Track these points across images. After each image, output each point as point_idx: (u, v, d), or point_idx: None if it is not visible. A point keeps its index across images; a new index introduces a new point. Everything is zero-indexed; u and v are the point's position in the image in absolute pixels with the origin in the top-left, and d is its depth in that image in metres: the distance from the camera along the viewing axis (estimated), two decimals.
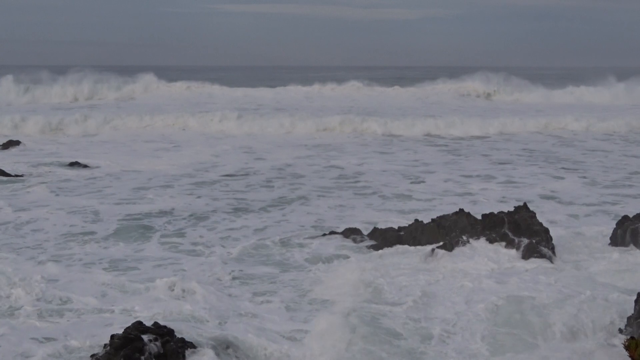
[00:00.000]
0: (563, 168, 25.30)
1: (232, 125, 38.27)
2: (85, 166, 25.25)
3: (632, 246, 13.77)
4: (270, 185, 22.24)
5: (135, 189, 21.22)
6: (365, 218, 17.16)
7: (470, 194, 20.57)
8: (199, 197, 20.02)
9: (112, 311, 10.79)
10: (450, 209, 16.72)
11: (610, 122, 39.36)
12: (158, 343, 9.21)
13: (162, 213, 17.71)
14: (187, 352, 9.26)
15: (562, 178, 23.15)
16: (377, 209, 18.57)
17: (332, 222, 16.82)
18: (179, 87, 61.09)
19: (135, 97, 56.53)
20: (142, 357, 8.99)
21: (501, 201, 18.95)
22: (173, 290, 11.69)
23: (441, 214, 15.41)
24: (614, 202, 19.24)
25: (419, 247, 13.62)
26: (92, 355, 9.11)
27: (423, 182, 22.57)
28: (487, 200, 19.19)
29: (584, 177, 23.31)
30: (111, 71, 65.10)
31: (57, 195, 20.35)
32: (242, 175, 24.06)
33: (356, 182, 22.77)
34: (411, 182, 22.51)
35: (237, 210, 18.33)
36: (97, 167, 25.31)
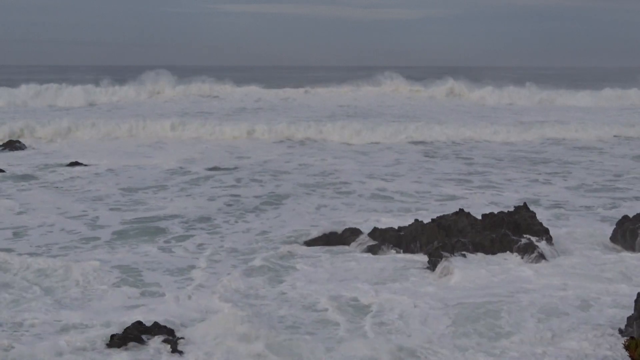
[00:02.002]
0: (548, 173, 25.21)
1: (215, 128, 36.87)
2: (84, 165, 25.40)
3: (631, 247, 13.80)
4: (258, 181, 22.60)
5: (134, 188, 21.27)
6: (359, 217, 17.21)
7: (454, 195, 20.58)
8: (194, 197, 20.07)
9: (113, 311, 10.80)
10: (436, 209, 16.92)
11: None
12: (158, 342, 9.23)
13: (165, 216, 17.65)
14: (187, 352, 9.27)
15: (549, 182, 23.10)
16: (364, 208, 18.70)
17: (328, 222, 16.86)
18: (177, 88, 60.56)
19: (133, 99, 56.09)
20: (142, 357, 9.01)
21: (486, 205, 18.83)
22: (175, 292, 11.71)
23: (422, 213, 16.04)
24: (602, 205, 19.23)
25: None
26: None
27: (404, 182, 22.66)
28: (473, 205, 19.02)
29: (566, 180, 23.34)
30: (111, 71, 65.00)
31: (58, 195, 20.37)
32: (229, 169, 24.87)
33: (335, 179, 22.98)
34: (390, 182, 22.64)
35: (234, 210, 18.38)
36: (96, 165, 25.51)
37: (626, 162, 27.55)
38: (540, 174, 24.77)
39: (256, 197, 20.02)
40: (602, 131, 36.19)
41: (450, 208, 16.88)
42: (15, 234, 15.77)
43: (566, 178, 23.75)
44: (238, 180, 22.75)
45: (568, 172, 25.00)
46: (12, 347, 9.31)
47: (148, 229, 16.26)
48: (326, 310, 10.92)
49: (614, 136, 35.18)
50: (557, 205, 19.00)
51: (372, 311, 10.87)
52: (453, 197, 20.14)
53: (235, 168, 25.19)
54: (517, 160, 28.38)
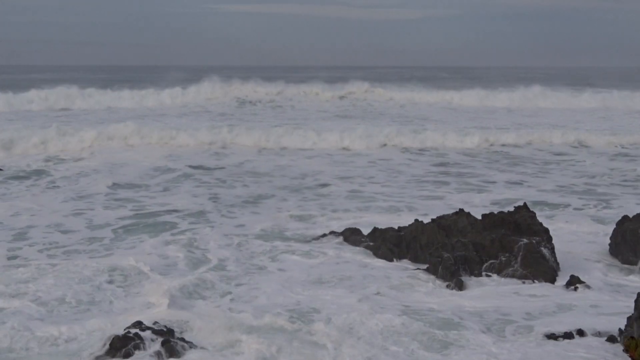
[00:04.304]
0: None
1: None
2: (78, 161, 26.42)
3: (631, 247, 13.79)
4: (240, 180, 23.00)
5: (125, 187, 21.58)
6: (351, 217, 17.39)
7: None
8: (184, 195, 20.30)
9: (113, 310, 10.79)
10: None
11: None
12: (158, 342, 9.22)
13: (162, 213, 17.77)
14: (187, 351, 9.27)
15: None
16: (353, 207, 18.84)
17: (323, 222, 16.95)
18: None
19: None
20: (142, 357, 9.00)
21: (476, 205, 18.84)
22: (174, 292, 11.71)
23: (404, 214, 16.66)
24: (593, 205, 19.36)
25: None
26: (92, 354, 9.12)
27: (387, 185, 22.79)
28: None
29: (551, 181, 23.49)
30: (112, 71, 64.91)
31: (51, 194, 20.49)
32: (213, 168, 25.53)
33: (315, 180, 23.22)
34: (376, 183, 22.83)
35: (228, 207, 18.57)
36: (89, 160, 26.38)
37: (611, 164, 27.73)
38: (521, 174, 24.95)
39: (237, 196, 20.29)
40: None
41: (439, 208, 17.07)
42: (17, 235, 15.76)
43: (551, 178, 23.97)
44: (221, 180, 23.11)
45: (550, 173, 25.19)
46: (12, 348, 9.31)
47: (146, 227, 16.34)
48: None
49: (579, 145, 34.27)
50: (546, 205, 19.09)
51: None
52: (438, 198, 20.36)
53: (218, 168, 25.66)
54: (503, 161, 28.40)
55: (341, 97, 58.07)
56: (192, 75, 66.79)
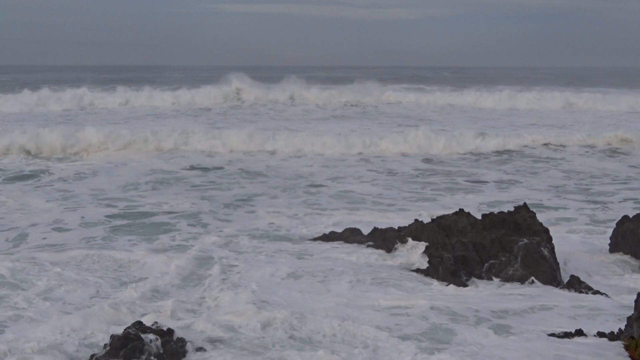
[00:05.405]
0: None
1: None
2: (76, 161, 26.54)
3: (631, 247, 13.80)
4: (234, 181, 23.16)
5: (118, 186, 21.82)
6: (342, 218, 17.40)
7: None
8: (178, 195, 20.40)
9: (112, 310, 10.76)
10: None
11: None
12: (158, 343, 9.21)
13: (146, 213, 17.88)
14: (187, 352, 9.26)
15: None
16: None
17: (319, 221, 16.94)
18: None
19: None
20: (142, 357, 8.99)
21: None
22: (172, 292, 11.69)
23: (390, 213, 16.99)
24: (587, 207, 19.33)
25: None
26: (92, 355, 9.10)
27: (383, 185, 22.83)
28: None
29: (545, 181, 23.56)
30: (109, 72, 64.91)
31: (47, 195, 20.50)
32: (208, 169, 25.75)
33: (307, 181, 23.30)
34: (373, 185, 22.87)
35: (222, 207, 18.63)
36: (86, 161, 26.61)
37: (604, 164, 27.82)
38: (514, 174, 25.03)
39: (231, 196, 20.35)
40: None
41: (434, 209, 17.20)
42: (14, 235, 15.74)
43: (545, 179, 24.05)
44: (215, 180, 23.23)
45: (544, 173, 25.27)
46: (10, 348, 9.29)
47: (141, 227, 16.37)
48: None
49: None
50: (545, 206, 19.10)
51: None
52: (431, 199, 20.47)
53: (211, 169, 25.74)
54: (499, 161, 28.37)
55: (340, 98, 58.04)
56: (191, 75, 66.79)
